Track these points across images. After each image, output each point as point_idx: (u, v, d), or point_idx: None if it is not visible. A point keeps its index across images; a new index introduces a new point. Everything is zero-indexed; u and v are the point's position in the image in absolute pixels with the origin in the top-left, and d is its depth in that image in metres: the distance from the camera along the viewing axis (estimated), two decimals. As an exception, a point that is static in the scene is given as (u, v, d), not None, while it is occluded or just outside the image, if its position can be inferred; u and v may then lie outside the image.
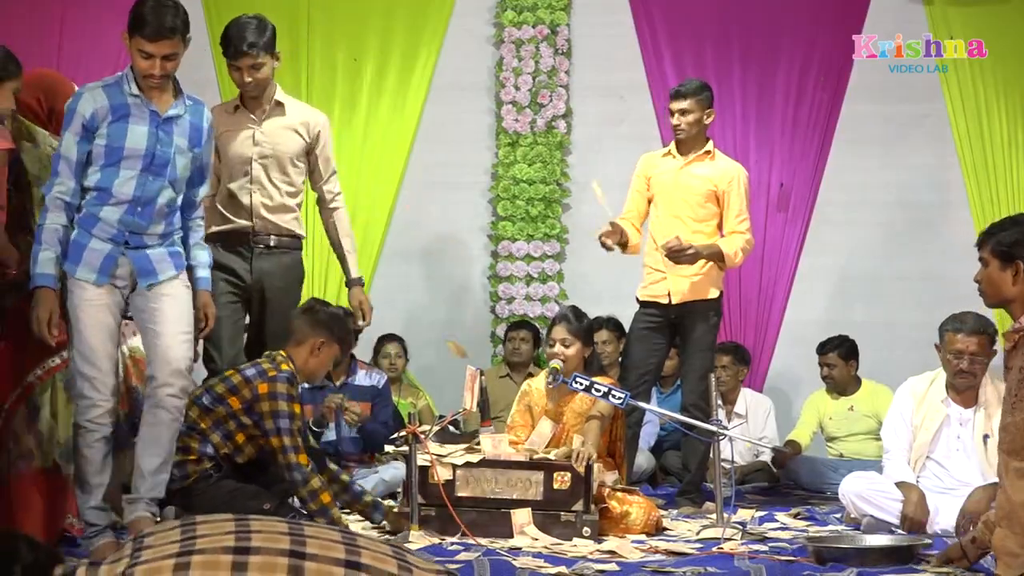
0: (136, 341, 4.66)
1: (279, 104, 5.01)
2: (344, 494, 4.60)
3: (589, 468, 4.49)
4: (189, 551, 2.14)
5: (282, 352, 4.45)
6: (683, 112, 5.44)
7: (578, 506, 4.45)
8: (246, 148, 4.93)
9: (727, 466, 4.95)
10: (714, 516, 4.77)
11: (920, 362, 5.39)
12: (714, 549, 4.24)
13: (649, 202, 5.62)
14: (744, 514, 5.06)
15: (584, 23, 7.32)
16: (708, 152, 5.52)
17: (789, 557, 4.07)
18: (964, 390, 4.79)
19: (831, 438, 6.59)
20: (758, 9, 7.21)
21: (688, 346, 5.49)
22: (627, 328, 6.69)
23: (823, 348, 6.60)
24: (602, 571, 3.85)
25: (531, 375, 6.06)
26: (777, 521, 5.05)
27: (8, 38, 4.46)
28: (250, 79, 4.87)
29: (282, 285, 4.97)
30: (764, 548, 4.27)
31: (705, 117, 5.48)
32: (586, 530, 4.44)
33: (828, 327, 6.75)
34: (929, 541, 4.13)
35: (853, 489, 4.79)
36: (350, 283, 5.16)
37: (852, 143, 7.17)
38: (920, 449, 4.84)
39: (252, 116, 4.97)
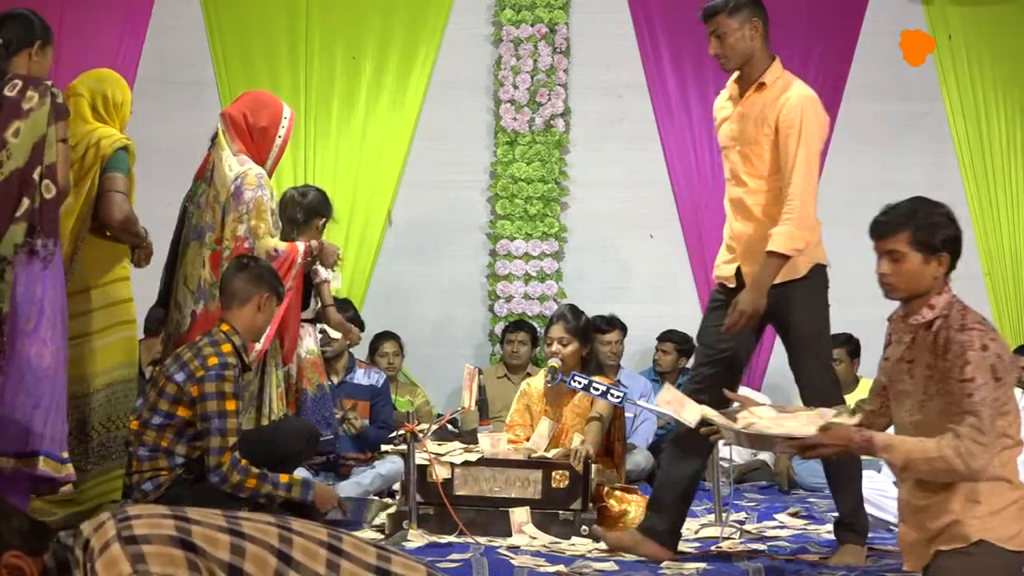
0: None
1: None
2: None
3: (587, 466, 4.50)
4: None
5: (222, 328, 4.16)
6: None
7: (576, 505, 4.45)
8: None
9: (725, 465, 4.95)
10: (712, 516, 4.78)
11: (918, 361, 5.39)
12: (713, 548, 4.25)
13: None
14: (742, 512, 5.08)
15: (583, 22, 7.32)
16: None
17: (788, 556, 4.08)
18: None
19: (829, 437, 6.58)
20: (757, 8, 7.19)
21: None
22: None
23: (830, 343, 6.59)
24: (600, 570, 3.85)
25: (529, 375, 6.06)
26: (776, 520, 5.05)
27: (7, 38, 4.45)
28: None
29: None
30: (763, 547, 4.28)
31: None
32: (584, 528, 4.44)
33: (827, 326, 6.73)
34: None
35: (851, 488, 4.78)
36: None
37: (850, 142, 7.16)
38: (918, 448, 4.84)
39: None
